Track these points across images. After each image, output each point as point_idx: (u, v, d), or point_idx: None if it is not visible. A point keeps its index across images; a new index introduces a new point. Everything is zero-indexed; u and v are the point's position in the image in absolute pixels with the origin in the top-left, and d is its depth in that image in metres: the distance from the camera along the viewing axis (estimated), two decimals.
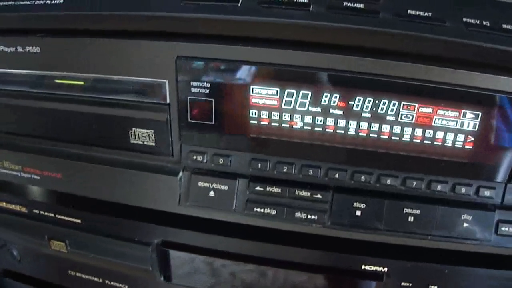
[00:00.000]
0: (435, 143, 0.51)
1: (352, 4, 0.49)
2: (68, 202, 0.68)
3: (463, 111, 0.49)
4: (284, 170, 0.55)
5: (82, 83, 0.59)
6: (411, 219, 0.55)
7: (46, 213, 0.68)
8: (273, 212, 0.57)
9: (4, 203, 0.71)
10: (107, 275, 0.72)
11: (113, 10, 0.53)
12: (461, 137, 0.51)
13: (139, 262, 0.65)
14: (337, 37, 0.49)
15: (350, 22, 0.48)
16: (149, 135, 0.57)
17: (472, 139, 0.51)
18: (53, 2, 0.55)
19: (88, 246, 0.67)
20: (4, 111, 0.64)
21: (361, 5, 0.49)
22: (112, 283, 0.72)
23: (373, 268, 0.59)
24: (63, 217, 0.67)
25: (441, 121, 0.50)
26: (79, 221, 0.67)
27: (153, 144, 0.58)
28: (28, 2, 0.56)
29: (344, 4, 0.49)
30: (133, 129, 0.58)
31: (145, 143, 0.58)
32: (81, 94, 0.59)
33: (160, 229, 0.64)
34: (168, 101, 0.55)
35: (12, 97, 0.62)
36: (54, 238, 0.68)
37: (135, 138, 0.58)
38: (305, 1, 0.49)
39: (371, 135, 0.52)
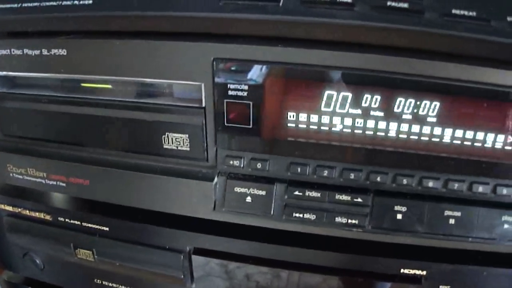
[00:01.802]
0: (475, 144, 0.50)
1: (397, 4, 0.47)
2: (94, 209, 0.67)
3: (502, 111, 0.48)
4: (324, 174, 0.54)
5: (109, 86, 0.57)
6: (452, 221, 0.54)
7: (72, 221, 0.67)
8: (313, 217, 0.55)
9: (28, 211, 0.69)
10: (135, 283, 0.70)
11: (145, 11, 0.52)
12: (501, 137, 0.50)
13: (171, 269, 0.64)
14: (382, 38, 0.48)
15: (394, 22, 0.47)
16: (183, 139, 0.56)
17: None
18: (81, 2, 0.53)
19: (117, 254, 0.66)
20: (29, 116, 0.62)
21: (405, 5, 0.47)
22: None
23: (412, 271, 0.58)
24: (90, 225, 0.66)
25: (482, 122, 0.49)
26: (106, 228, 0.65)
27: (188, 149, 0.56)
28: (54, 3, 0.54)
29: (388, 4, 0.47)
30: (166, 134, 0.56)
31: (179, 148, 0.56)
32: (110, 98, 0.57)
33: (192, 236, 0.62)
34: (203, 105, 0.54)
35: (37, 101, 0.61)
36: (81, 246, 0.67)
37: (168, 143, 0.56)
38: (350, 0, 0.47)
39: (411, 137, 0.51)
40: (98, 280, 0.72)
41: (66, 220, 0.67)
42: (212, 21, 0.50)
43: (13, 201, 0.70)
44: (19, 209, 0.70)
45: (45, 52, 0.57)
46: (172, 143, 0.56)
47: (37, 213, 0.69)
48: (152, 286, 0.70)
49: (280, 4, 0.48)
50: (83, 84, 0.58)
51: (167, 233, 0.64)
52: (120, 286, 0.71)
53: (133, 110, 0.57)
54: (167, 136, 0.56)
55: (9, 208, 0.71)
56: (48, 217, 0.68)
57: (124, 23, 0.53)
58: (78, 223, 0.66)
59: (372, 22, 0.47)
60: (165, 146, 0.57)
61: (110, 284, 0.72)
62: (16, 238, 0.72)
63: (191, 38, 0.52)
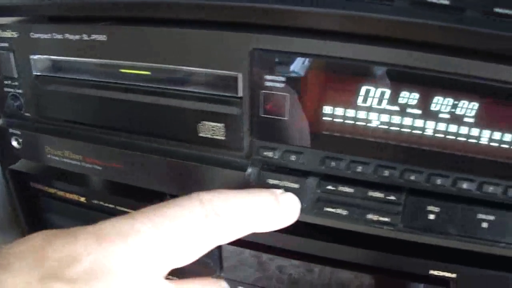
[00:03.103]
0: None
1: (436, 0, 0.47)
2: (129, 193, 0.68)
3: None
4: (358, 170, 0.54)
5: (148, 73, 0.58)
6: (484, 225, 0.53)
7: (106, 204, 0.68)
8: (344, 212, 0.55)
9: (63, 193, 0.70)
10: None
11: None
12: None
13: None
14: (419, 34, 0.47)
15: (431, 19, 0.46)
16: (219, 128, 0.56)
17: None
18: None
19: None
20: (66, 100, 0.63)
21: (446, 2, 0.47)
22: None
23: (441, 273, 0.58)
24: (124, 209, 0.67)
25: None
26: None
27: (223, 138, 0.56)
28: None
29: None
30: (202, 122, 0.56)
31: (214, 136, 0.57)
32: (148, 84, 0.58)
33: None
34: (240, 95, 0.54)
35: (75, 85, 0.62)
36: None
37: (204, 131, 0.57)
38: None
39: (448, 136, 0.50)
40: None
41: (101, 203, 0.68)
42: (251, 10, 0.50)
43: (49, 182, 0.72)
44: (55, 190, 0.71)
45: (85, 37, 0.58)
46: (208, 132, 0.57)
47: (72, 195, 0.70)
48: (182, 273, 0.70)
49: None
50: (122, 70, 0.59)
51: None
52: None
53: (170, 97, 0.57)
54: (203, 125, 0.56)
55: (45, 189, 0.72)
56: (82, 199, 0.69)
57: (163, 11, 0.54)
58: (113, 206, 0.67)
59: (410, 18, 0.46)
60: (200, 134, 0.57)
61: None
62: (52, 219, 0.73)
63: (230, 28, 0.52)
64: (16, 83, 0.66)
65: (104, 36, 0.57)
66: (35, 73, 0.64)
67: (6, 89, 0.67)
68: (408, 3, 0.46)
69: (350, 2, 0.48)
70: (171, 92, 0.57)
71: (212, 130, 0.56)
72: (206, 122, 0.56)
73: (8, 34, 0.63)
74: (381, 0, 0.47)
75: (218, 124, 0.56)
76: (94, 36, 0.58)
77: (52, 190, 0.71)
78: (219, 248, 0.64)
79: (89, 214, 0.69)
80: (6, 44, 0.64)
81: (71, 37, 0.59)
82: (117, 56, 0.58)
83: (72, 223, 0.70)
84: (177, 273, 0.69)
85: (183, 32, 0.54)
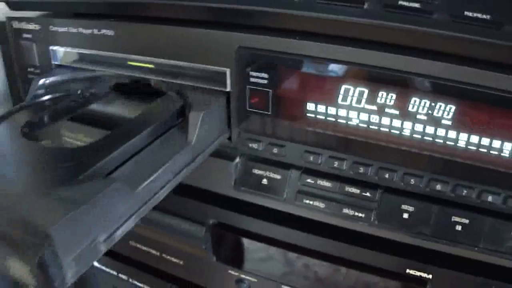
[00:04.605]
0: (491, 152, 0.50)
1: (407, 3, 0.48)
2: None
3: None
4: (335, 165, 0.56)
5: (152, 66, 0.62)
6: (459, 228, 0.55)
7: None
8: (322, 205, 0.58)
9: None
10: (165, 249, 0.76)
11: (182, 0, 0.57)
12: None
13: (194, 240, 0.69)
14: (393, 36, 0.50)
15: (403, 22, 0.48)
16: None
17: None
18: None
19: (148, 220, 0.71)
20: None
21: (417, 5, 0.47)
22: (168, 257, 0.76)
23: (418, 273, 0.59)
24: None
25: (498, 130, 0.49)
26: None
27: None
28: None
29: (399, 3, 0.48)
30: None
31: None
32: (149, 76, 0.63)
33: (217, 210, 0.67)
34: (228, 89, 0.58)
35: None
36: None
37: None
38: None
39: (425, 137, 0.52)
40: (133, 243, 0.78)
41: None
42: (236, 11, 0.55)
43: None
44: None
45: (95, 31, 0.64)
46: None
47: None
48: (179, 254, 0.74)
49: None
50: (129, 62, 0.64)
51: (193, 205, 0.68)
52: (151, 250, 0.77)
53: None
54: None
55: None
56: None
57: (161, 11, 0.60)
58: None
59: (381, 20, 0.49)
60: None
61: (144, 248, 0.78)
62: None
63: (220, 27, 0.57)
64: (38, 71, 0.72)
65: (112, 31, 0.62)
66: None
67: (29, 76, 0.73)
68: (380, 6, 0.48)
69: (325, 5, 0.50)
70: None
71: None
72: None
73: (31, 26, 0.69)
74: (353, 3, 0.49)
75: None
76: (103, 31, 0.63)
77: None
78: (211, 232, 0.68)
79: None
80: (30, 35, 0.70)
81: (84, 31, 0.64)
82: (124, 50, 0.63)
83: None
84: (168, 251, 0.74)
85: (178, 30, 0.58)
